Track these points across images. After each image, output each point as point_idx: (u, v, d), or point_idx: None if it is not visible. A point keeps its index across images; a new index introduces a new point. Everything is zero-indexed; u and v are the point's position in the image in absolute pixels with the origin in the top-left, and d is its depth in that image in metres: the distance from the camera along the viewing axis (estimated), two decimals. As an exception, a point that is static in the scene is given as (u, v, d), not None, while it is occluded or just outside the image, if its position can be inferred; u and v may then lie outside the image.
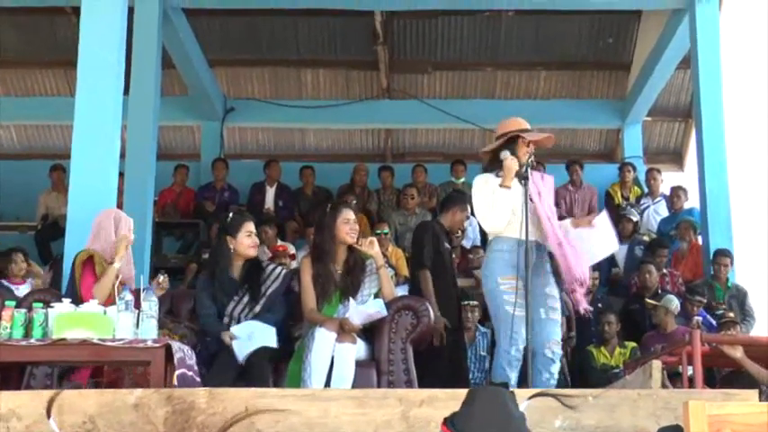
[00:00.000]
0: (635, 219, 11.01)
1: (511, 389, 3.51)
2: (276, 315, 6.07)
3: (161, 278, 6.46)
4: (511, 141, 6.05)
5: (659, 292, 9.23)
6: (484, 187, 6.01)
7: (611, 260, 10.64)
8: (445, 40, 13.28)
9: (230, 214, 6.45)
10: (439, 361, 6.82)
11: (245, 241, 6.14)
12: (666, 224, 11.31)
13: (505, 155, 5.91)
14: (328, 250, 6.14)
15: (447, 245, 7.39)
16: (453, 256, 7.57)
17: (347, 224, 6.15)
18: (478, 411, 3.26)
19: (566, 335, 8.60)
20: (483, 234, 10.29)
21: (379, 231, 9.87)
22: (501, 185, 5.87)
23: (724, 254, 9.32)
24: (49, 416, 3.60)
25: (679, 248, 10.60)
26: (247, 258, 6.20)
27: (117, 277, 5.69)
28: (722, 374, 7.75)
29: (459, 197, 7.95)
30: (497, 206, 5.88)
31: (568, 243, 5.97)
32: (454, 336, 7.17)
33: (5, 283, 8.81)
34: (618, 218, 11.05)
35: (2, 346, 4.85)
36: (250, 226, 6.19)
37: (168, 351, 4.79)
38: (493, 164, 6.10)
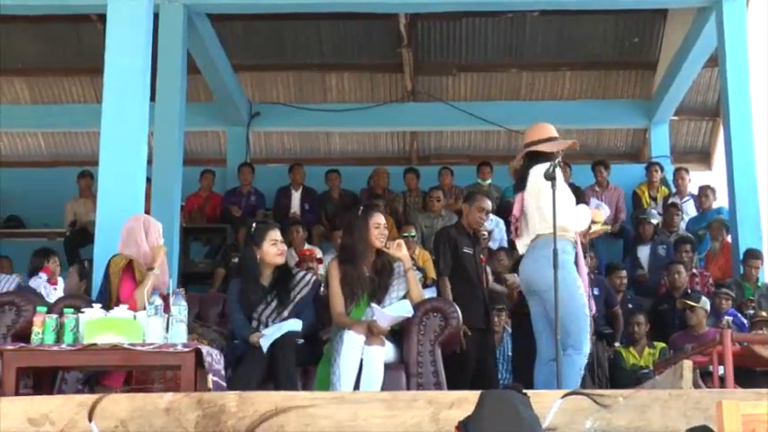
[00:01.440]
0: (655, 221, 10.96)
1: (525, 391, 3.49)
2: (305, 322, 6.07)
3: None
4: (541, 153, 5.99)
5: (689, 291, 9.18)
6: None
7: (634, 261, 10.61)
8: (469, 42, 13.28)
9: (254, 224, 6.46)
10: (466, 363, 6.79)
11: (271, 250, 6.17)
12: (695, 224, 11.26)
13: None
14: (360, 253, 6.14)
15: (468, 248, 7.36)
16: (481, 256, 7.52)
17: (378, 228, 6.16)
18: (487, 414, 3.27)
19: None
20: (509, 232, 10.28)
21: (405, 234, 9.87)
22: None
23: (755, 255, 9.25)
24: (90, 419, 3.63)
25: (711, 248, 10.55)
26: (276, 265, 6.23)
27: None
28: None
29: (471, 195, 7.95)
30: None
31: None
32: (483, 338, 7.14)
33: (42, 282, 8.81)
34: (638, 221, 11.02)
35: (34, 352, 4.89)
36: (274, 234, 6.21)
37: (198, 355, 4.81)
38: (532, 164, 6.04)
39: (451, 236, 7.38)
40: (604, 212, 6.30)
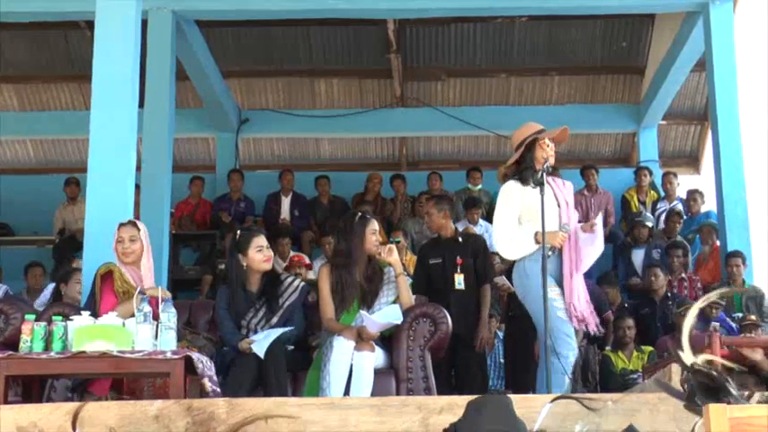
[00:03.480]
0: (650, 224, 10.97)
1: (509, 397, 3.49)
2: (294, 328, 6.05)
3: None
4: (529, 148, 6.01)
5: (668, 294, 9.20)
6: (506, 205, 5.96)
7: (628, 267, 10.61)
8: (458, 48, 13.30)
9: (238, 232, 6.42)
10: (441, 369, 6.75)
11: (256, 257, 6.12)
12: (684, 228, 11.27)
13: (563, 235, 5.94)
14: (356, 258, 6.14)
15: (436, 258, 7.41)
16: (458, 259, 7.48)
17: (374, 234, 6.19)
18: (486, 420, 3.25)
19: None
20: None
21: (392, 240, 9.86)
22: (537, 240, 5.85)
23: (734, 254, 9.29)
24: (74, 428, 3.62)
25: (701, 252, 10.57)
26: (263, 272, 6.21)
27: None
28: None
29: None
30: (517, 238, 5.86)
31: (578, 275, 5.96)
32: (461, 343, 7.09)
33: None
34: (633, 224, 11.02)
35: (23, 360, 4.87)
36: (259, 241, 6.17)
37: (188, 362, 4.80)
38: (516, 172, 6.07)
39: (421, 253, 7.64)
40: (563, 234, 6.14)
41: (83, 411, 3.78)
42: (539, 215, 5.76)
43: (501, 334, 8.76)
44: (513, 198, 5.91)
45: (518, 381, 7.78)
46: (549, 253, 5.85)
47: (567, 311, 5.84)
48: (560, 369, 5.71)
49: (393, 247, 6.31)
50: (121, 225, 5.97)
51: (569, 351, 5.77)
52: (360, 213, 6.39)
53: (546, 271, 5.61)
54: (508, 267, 8.55)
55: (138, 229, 5.94)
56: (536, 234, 5.82)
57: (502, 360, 8.67)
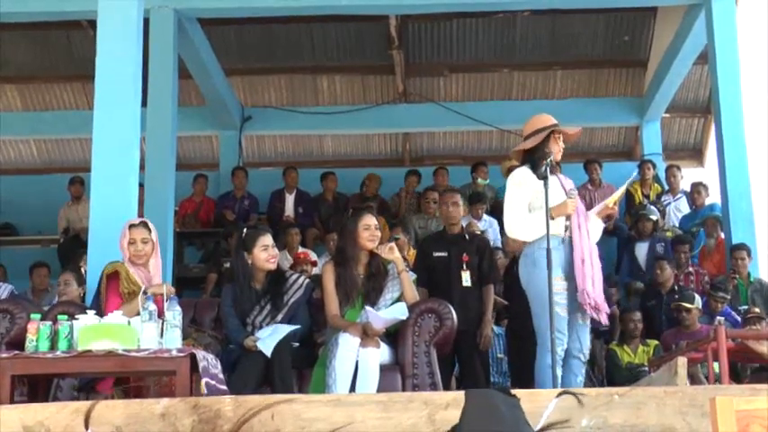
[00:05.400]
0: (654, 218, 10.95)
1: (512, 391, 3.47)
2: (299, 325, 6.04)
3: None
4: (544, 139, 5.96)
5: (675, 288, 9.20)
6: (519, 189, 5.89)
7: (632, 261, 10.60)
8: (460, 43, 13.29)
9: (245, 229, 6.42)
10: (444, 365, 6.73)
11: (261, 255, 6.11)
12: (688, 221, 11.27)
13: (571, 202, 5.84)
14: (350, 255, 6.16)
15: (441, 251, 7.39)
16: (464, 255, 7.46)
17: (368, 230, 6.16)
18: (468, 416, 3.26)
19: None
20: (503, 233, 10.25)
21: (392, 237, 9.83)
22: (552, 215, 5.77)
23: (740, 247, 9.29)
24: (86, 427, 3.62)
25: (706, 244, 10.57)
26: (267, 271, 6.21)
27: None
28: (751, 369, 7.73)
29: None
30: (531, 221, 5.80)
31: (591, 261, 5.87)
32: (464, 339, 7.06)
33: None
34: (637, 218, 11.00)
35: (28, 359, 4.87)
36: (265, 240, 6.15)
37: (193, 360, 4.80)
38: (525, 161, 6.02)
39: (424, 245, 7.58)
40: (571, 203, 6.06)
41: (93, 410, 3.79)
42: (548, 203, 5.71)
43: (497, 329, 8.75)
44: (525, 183, 5.84)
45: (522, 377, 7.77)
46: (566, 233, 5.82)
47: (576, 302, 5.76)
48: (548, 364, 5.63)
49: (393, 245, 6.31)
50: (133, 226, 5.94)
51: (558, 346, 5.68)
52: (351, 210, 6.39)
53: (551, 264, 5.56)
54: (510, 262, 8.54)
55: (150, 230, 5.94)
56: (551, 209, 5.73)
57: (499, 355, 8.67)
